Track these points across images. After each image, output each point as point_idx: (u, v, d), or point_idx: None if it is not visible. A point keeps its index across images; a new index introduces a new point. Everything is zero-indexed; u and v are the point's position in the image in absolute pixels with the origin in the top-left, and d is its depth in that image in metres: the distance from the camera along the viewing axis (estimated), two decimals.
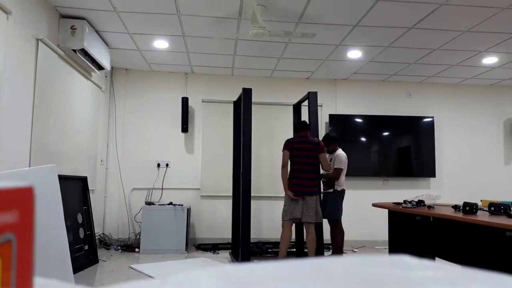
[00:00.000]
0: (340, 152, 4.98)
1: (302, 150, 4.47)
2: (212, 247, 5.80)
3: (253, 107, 4.81)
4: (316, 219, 4.40)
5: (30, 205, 0.30)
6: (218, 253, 5.59)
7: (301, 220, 4.41)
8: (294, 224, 4.64)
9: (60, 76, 4.38)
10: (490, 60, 5.55)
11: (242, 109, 4.69)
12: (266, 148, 6.29)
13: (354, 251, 5.94)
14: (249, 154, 4.66)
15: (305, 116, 5.26)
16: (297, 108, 5.68)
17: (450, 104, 6.84)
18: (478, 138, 6.82)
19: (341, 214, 4.91)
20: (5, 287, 0.28)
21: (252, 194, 5.34)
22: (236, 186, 5.24)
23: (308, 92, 4.99)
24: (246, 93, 4.70)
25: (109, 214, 6.07)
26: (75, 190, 4.63)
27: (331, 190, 4.89)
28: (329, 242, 5.75)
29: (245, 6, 3.77)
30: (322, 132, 6.51)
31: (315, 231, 4.43)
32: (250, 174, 4.67)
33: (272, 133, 6.37)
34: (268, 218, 6.27)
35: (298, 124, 4.86)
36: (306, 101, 5.23)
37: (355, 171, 6.43)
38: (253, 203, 6.11)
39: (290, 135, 5.60)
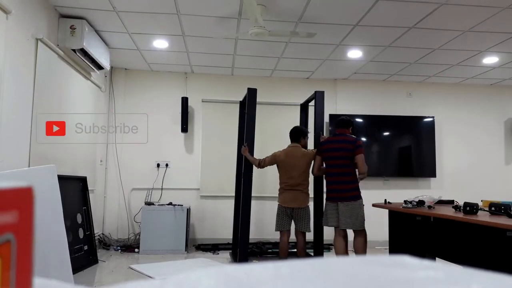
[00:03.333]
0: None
1: (335, 150, 4.21)
2: (212, 247, 5.80)
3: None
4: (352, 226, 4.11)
5: (30, 205, 0.30)
6: (218, 253, 5.59)
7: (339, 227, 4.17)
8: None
9: (60, 76, 4.38)
10: (490, 60, 5.55)
11: (247, 109, 4.66)
12: (269, 148, 6.28)
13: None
14: (251, 154, 4.66)
15: (311, 116, 5.18)
16: (304, 108, 5.60)
17: (451, 104, 6.83)
18: (479, 138, 6.82)
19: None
20: (5, 287, 0.28)
21: (256, 194, 5.33)
22: (239, 186, 5.24)
23: (315, 92, 4.91)
24: (251, 93, 4.67)
25: (108, 214, 6.07)
26: (74, 190, 4.62)
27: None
28: (329, 243, 5.77)
29: (245, 6, 3.77)
30: (325, 132, 6.51)
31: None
32: (252, 174, 4.67)
33: (274, 133, 6.36)
34: (271, 218, 6.26)
35: (335, 122, 4.48)
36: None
37: None
38: (257, 203, 6.12)
39: None
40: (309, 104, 5.43)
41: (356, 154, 4.10)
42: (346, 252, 4.32)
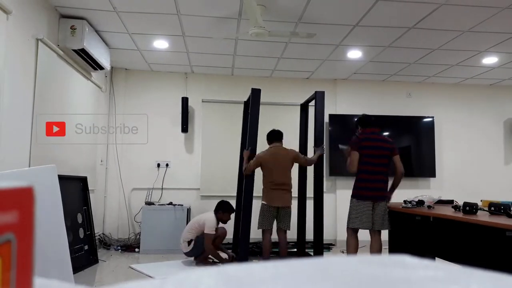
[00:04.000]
0: None
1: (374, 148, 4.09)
2: None
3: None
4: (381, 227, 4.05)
5: (30, 205, 0.30)
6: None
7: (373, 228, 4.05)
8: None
9: (60, 76, 4.38)
10: (490, 60, 5.55)
11: (250, 110, 4.65)
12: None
13: None
14: (254, 154, 4.66)
15: (311, 116, 5.15)
16: (304, 108, 5.57)
17: (450, 104, 6.83)
18: (478, 138, 6.82)
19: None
20: (5, 287, 0.28)
21: (256, 195, 5.32)
22: (241, 186, 5.23)
23: (315, 92, 4.90)
24: (255, 94, 4.67)
25: (109, 214, 6.07)
26: (75, 190, 4.62)
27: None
28: (329, 243, 5.76)
29: (245, 6, 3.77)
30: (325, 132, 6.51)
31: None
32: (253, 174, 4.66)
33: None
34: None
35: (363, 120, 4.29)
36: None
37: None
38: (257, 204, 6.10)
39: (294, 135, 5.55)
40: (309, 104, 5.43)
41: (394, 155, 4.12)
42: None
